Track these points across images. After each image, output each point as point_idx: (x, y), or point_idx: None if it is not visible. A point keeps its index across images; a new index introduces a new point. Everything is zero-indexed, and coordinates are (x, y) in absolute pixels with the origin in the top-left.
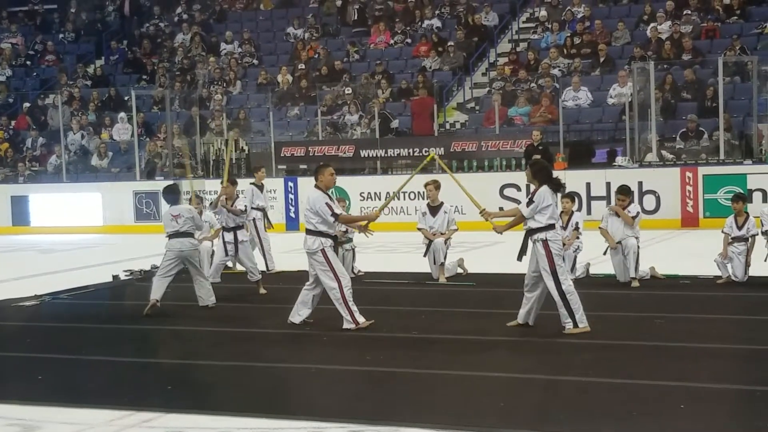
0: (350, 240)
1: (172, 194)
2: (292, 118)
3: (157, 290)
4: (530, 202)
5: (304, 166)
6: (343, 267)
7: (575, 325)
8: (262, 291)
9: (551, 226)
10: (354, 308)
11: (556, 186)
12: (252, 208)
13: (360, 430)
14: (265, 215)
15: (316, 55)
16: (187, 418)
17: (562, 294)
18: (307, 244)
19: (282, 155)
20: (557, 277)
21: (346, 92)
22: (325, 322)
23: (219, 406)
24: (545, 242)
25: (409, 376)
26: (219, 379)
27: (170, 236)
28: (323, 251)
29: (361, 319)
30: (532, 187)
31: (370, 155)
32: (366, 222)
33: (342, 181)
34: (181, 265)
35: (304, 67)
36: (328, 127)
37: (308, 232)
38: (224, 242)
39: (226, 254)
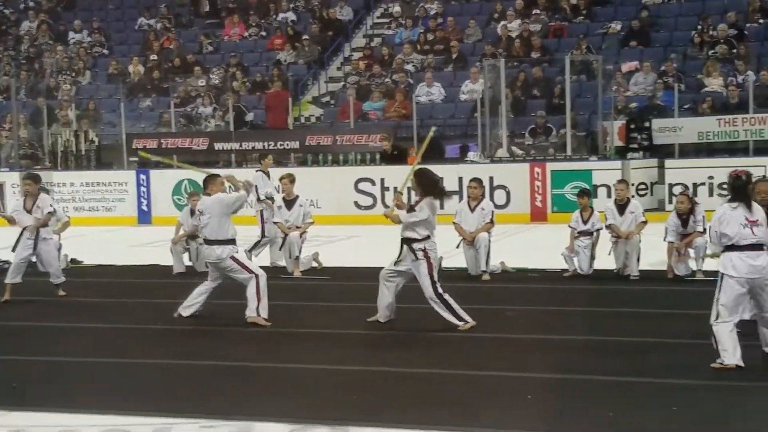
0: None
1: None
2: (144, 109)
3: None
4: (411, 209)
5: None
6: (198, 261)
7: (465, 322)
8: (61, 293)
9: (429, 237)
10: (263, 302)
11: (440, 196)
12: (259, 199)
13: (212, 426)
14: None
15: (169, 46)
16: (30, 416)
17: (441, 298)
18: (216, 254)
19: (134, 147)
20: (435, 284)
21: (200, 84)
22: (175, 319)
23: (65, 404)
24: (425, 251)
25: (263, 370)
26: (65, 376)
27: None
28: (232, 258)
29: (260, 319)
30: (415, 195)
31: (225, 148)
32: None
33: (196, 175)
34: None
35: (156, 58)
36: (181, 120)
37: (211, 242)
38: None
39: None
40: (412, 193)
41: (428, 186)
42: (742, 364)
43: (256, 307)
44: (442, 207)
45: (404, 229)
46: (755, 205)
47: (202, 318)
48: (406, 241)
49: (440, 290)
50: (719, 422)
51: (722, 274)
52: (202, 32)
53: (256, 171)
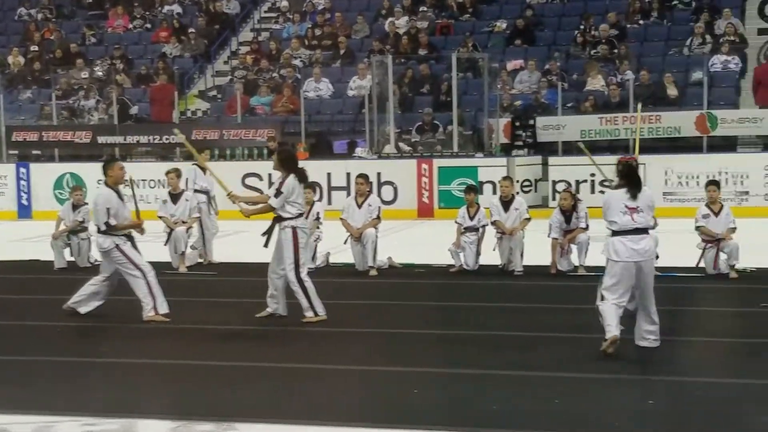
0: (85, 229)
1: None
2: (24, 101)
3: None
4: (278, 192)
5: (38, 152)
6: (80, 256)
7: (315, 314)
8: None
9: (301, 215)
10: (159, 296)
11: (302, 176)
12: (195, 190)
13: (94, 423)
14: (210, 199)
15: (51, 38)
16: None
17: (301, 283)
18: (99, 242)
19: (13, 140)
20: (297, 267)
21: (83, 76)
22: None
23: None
24: (294, 230)
25: (145, 367)
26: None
27: None
28: (118, 247)
29: (162, 311)
30: (278, 177)
31: (109, 142)
32: (141, 222)
33: (79, 168)
34: None
35: (37, 49)
36: (63, 112)
37: (99, 231)
38: None
39: None
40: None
41: (290, 165)
42: (617, 333)
43: (153, 306)
44: (303, 182)
45: (278, 211)
46: (643, 192)
47: (89, 315)
48: (278, 220)
49: (302, 275)
50: (599, 414)
51: (607, 258)
52: (85, 24)
53: (192, 164)
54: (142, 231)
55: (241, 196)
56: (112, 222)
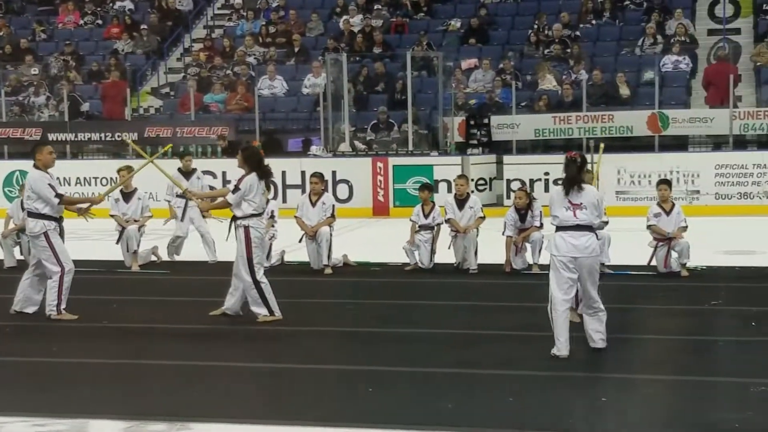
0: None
1: None
2: None
3: None
4: (236, 189)
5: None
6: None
7: (271, 313)
8: None
9: (255, 215)
10: (65, 297)
11: (265, 174)
12: (177, 195)
13: (45, 424)
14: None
15: (0, 33)
16: None
17: (256, 283)
18: (29, 227)
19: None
20: (252, 266)
21: (33, 73)
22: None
23: None
24: (247, 229)
25: (95, 367)
26: None
27: None
28: (46, 234)
29: (65, 315)
30: (240, 173)
31: (59, 139)
32: (88, 205)
33: (28, 165)
34: None
35: None
36: (13, 109)
37: (30, 215)
38: None
39: None
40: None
41: (254, 163)
42: (566, 353)
43: (57, 305)
44: (265, 179)
45: (233, 208)
46: (586, 189)
47: (39, 316)
48: (233, 219)
49: (258, 276)
50: (553, 412)
51: (550, 254)
52: (35, 19)
53: (177, 169)
54: (91, 206)
55: (198, 192)
56: (61, 191)
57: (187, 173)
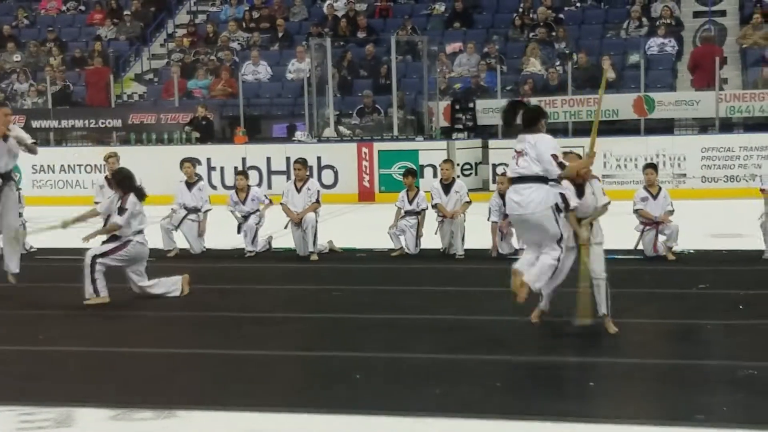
0: (21, 215)
1: None
2: None
3: None
4: (122, 209)
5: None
6: None
7: (97, 295)
8: None
9: (140, 232)
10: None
11: (141, 195)
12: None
13: (32, 413)
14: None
15: None
16: None
17: (93, 264)
18: None
19: None
20: (99, 253)
21: (15, 59)
22: None
23: None
24: (128, 242)
25: (82, 355)
26: None
27: None
28: None
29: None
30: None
31: (43, 126)
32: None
33: None
34: None
35: None
36: None
37: None
38: None
39: None
40: None
41: (126, 184)
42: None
43: None
44: (141, 200)
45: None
46: (537, 135)
47: (25, 302)
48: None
49: (99, 258)
50: (542, 397)
51: None
52: (18, 5)
53: (179, 181)
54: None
55: (91, 233)
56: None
57: (190, 184)
